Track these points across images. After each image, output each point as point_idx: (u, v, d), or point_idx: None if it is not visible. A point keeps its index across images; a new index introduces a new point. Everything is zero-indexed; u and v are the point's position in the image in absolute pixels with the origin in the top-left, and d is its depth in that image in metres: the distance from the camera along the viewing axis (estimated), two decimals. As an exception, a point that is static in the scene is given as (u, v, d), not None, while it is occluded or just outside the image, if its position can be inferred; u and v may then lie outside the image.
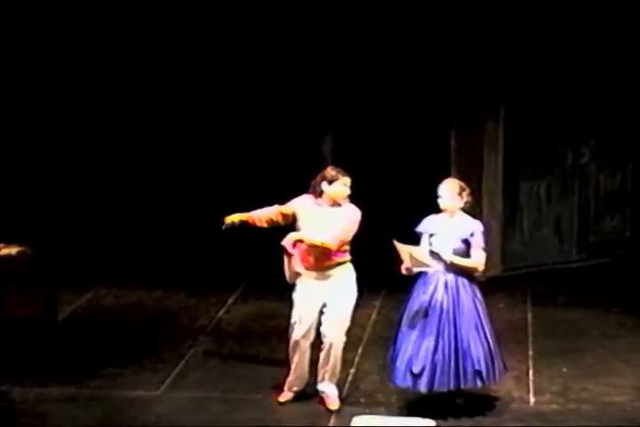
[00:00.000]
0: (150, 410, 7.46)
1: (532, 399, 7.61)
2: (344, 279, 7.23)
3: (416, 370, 7.06)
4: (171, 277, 10.13)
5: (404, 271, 7.11)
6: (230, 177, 10.53)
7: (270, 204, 10.39)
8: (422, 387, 7.11)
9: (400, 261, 7.07)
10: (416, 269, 7.07)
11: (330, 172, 7.21)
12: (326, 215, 7.18)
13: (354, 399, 7.49)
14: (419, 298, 7.13)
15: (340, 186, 7.18)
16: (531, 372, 8.03)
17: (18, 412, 7.43)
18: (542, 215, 10.47)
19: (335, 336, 7.26)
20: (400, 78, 10.02)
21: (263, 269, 9.92)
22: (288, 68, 10.16)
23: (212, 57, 10.24)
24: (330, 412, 7.34)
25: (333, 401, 7.39)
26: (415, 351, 7.08)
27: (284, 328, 8.92)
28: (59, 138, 10.53)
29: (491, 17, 9.68)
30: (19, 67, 10.31)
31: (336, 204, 7.20)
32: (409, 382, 7.14)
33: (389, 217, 9.62)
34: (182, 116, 10.49)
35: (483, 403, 7.40)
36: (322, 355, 7.34)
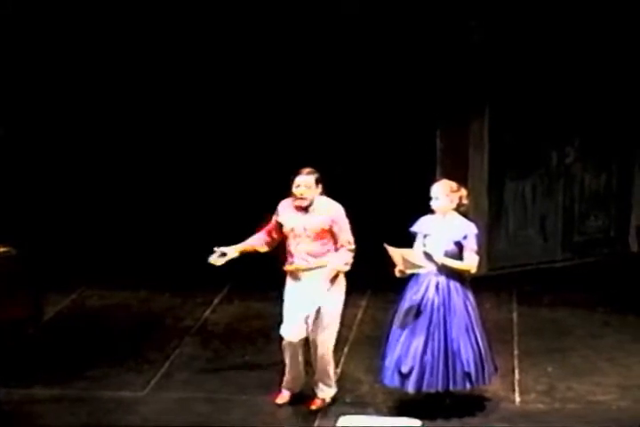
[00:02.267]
0: (136, 411, 7.44)
1: (517, 399, 7.62)
2: (333, 280, 7.20)
3: (404, 370, 7.06)
4: (156, 277, 10.11)
5: (397, 274, 7.09)
6: (214, 178, 10.51)
7: (254, 204, 10.41)
8: (410, 387, 7.11)
9: (393, 264, 7.06)
10: (409, 271, 7.07)
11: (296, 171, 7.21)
12: (298, 216, 7.19)
13: (340, 399, 7.49)
14: (410, 298, 7.13)
15: (293, 186, 7.18)
16: (516, 371, 8.04)
17: (2, 413, 7.40)
18: (527, 215, 10.49)
19: (322, 338, 7.24)
20: (386, 79, 10.02)
21: (249, 270, 9.94)
22: (279, 70, 10.14)
23: (209, 58, 10.22)
24: (310, 412, 7.33)
25: (315, 402, 7.39)
26: (404, 351, 7.08)
27: (270, 329, 8.93)
28: (45, 138, 10.50)
29: (476, 18, 9.70)
30: (15, 66, 10.27)
31: (299, 204, 7.16)
32: (396, 382, 7.14)
33: (375, 217, 9.61)
34: (169, 116, 10.48)
35: (468, 403, 7.40)
36: (316, 358, 7.32)
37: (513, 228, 10.46)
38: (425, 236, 7.15)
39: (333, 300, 7.21)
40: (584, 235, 10.74)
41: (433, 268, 7.08)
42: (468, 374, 7.08)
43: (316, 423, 7.26)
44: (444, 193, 7.12)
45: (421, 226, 7.20)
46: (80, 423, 7.26)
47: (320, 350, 7.27)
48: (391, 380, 7.15)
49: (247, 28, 10.11)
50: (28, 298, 8.75)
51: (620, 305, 9.38)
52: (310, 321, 7.21)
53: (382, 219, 9.62)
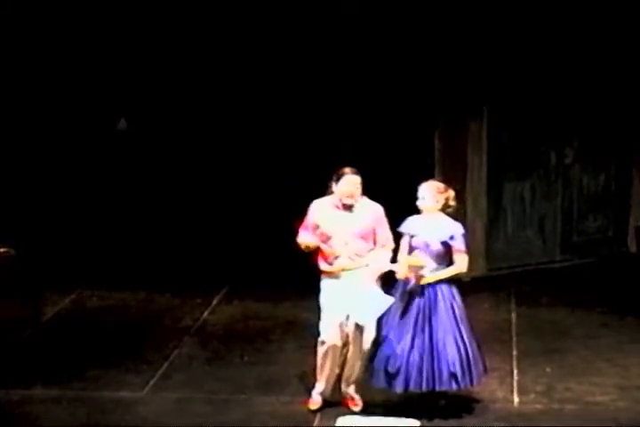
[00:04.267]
0: (134, 411, 7.44)
1: (516, 399, 7.62)
2: (369, 273, 7.18)
3: (391, 370, 7.07)
4: (155, 278, 10.11)
5: (400, 276, 7.12)
6: (213, 178, 10.51)
7: (253, 204, 10.40)
8: (397, 387, 7.11)
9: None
10: (412, 274, 7.08)
11: (339, 170, 7.16)
12: (343, 216, 7.15)
13: (338, 399, 7.49)
14: (397, 299, 7.13)
15: (344, 185, 7.13)
16: (515, 372, 8.04)
17: (1, 413, 7.40)
18: (526, 216, 10.50)
19: (366, 338, 7.22)
20: (385, 80, 10.03)
21: (248, 271, 9.95)
22: (277, 70, 10.15)
23: (210, 57, 10.23)
24: (310, 411, 7.34)
25: (357, 403, 7.38)
26: (392, 352, 7.09)
27: (269, 329, 8.97)
28: (43, 139, 10.50)
29: (474, 19, 9.70)
30: (13, 66, 10.29)
31: (348, 202, 7.14)
32: (383, 382, 7.14)
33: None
34: (167, 115, 10.48)
35: (467, 403, 7.41)
36: (350, 357, 7.29)
37: (512, 228, 10.46)
38: (412, 236, 7.17)
39: (376, 298, 7.18)
40: (583, 235, 10.75)
41: (432, 265, 7.09)
42: (453, 375, 7.07)
43: (316, 423, 7.27)
44: (430, 193, 7.14)
45: (408, 226, 7.22)
46: (79, 424, 7.26)
47: (363, 349, 7.24)
48: (378, 380, 7.16)
49: (248, 27, 10.12)
50: (26, 298, 8.75)
51: (619, 306, 9.38)
52: (353, 321, 7.15)
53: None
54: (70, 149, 10.55)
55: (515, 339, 8.69)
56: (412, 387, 7.09)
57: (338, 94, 10.13)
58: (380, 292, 7.15)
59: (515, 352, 8.41)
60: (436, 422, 7.17)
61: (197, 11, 10.13)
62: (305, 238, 7.19)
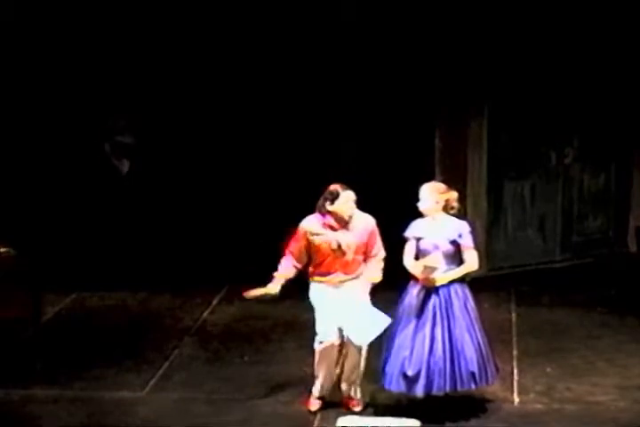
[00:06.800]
0: (134, 411, 7.45)
1: (516, 399, 7.62)
2: (363, 284, 7.23)
3: (411, 373, 7.01)
4: (155, 278, 10.11)
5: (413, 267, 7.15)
6: (213, 178, 10.51)
7: (253, 204, 10.39)
8: (419, 391, 7.05)
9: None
10: (424, 276, 7.08)
11: (331, 190, 7.14)
12: (340, 233, 7.14)
13: (338, 399, 7.48)
14: (410, 301, 7.13)
15: (344, 203, 7.11)
16: (515, 372, 8.05)
17: (1, 413, 7.40)
18: (526, 215, 10.50)
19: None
20: (385, 79, 10.03)
21: (248, 270, 9.94)
22: (280, 69, 10.16)
23: (211, 60, 10.24)
24: (310, 412, 7.35)
25: (358, 403, 7.39)
26: (408, 354, 7.04)
27: (269, 329, 8.97)
28: (44, 140, 10.51)
29: (475, 18, 9.71)
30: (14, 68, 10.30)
31: (345, 219, 7.13)
32: (402, 386, 7.09)
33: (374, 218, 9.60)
34: (168, 117, 10.49)
35: (467, 403, 7.40)
36: (350, 358, 7.29)
37: (512, 228, 10.47)
38: (419, 239, 7.16)
39: (374, 318, 7.17)
40: (583, 235, 10.75)
41: (444, 266, 7.09)
42: (472, 374, 7.06)
43: (316, 423, 7.27)
44: (430, 195, 7.12)
45: (413, 230, 7.21)
46: (79, 424, 7.27)
47: (359, 354, 7.25)
48: (397, 385, 7.10)
49: (249, 31, 10.12)
50: (26, 298, 8.74)
51: (619, 306, 9.39)
52: (348, 328, 7.15)
53: (381, 220, 9.61)
54: (70, 151, 10.55)
55: (515, 339, 8.69)
56: (435, 390, 7.05)
57: (338, 95, 10.13)
58: (377, 311, 7.11)
59: (515, 352, 8.41)
60: (437, 422, 7.16)
61: (196, 13, 10.14)
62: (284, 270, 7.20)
